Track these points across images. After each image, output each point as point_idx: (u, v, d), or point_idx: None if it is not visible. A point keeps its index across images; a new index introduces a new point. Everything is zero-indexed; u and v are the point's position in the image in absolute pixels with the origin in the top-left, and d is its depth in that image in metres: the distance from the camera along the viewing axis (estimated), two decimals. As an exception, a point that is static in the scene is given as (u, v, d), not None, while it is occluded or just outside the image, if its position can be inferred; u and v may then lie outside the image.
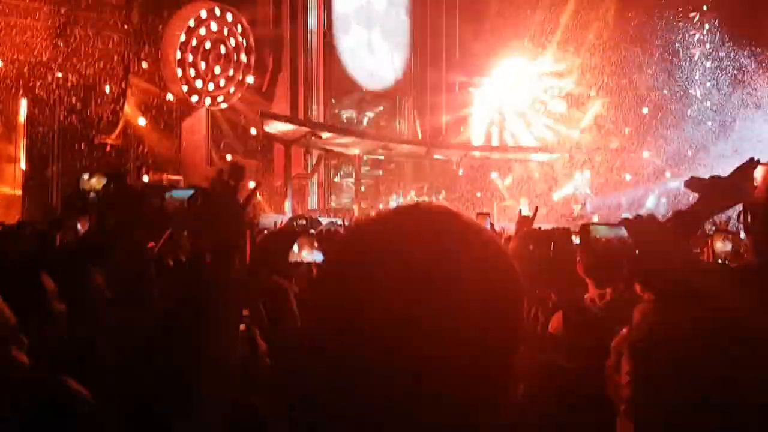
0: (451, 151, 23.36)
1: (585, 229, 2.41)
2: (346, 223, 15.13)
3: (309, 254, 5.73)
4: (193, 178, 16.90)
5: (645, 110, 21.25)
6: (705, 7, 21.35)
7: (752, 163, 2.01)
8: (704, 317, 1.76)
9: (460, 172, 23.02)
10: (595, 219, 12.74)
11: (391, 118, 25.99)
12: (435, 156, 23.59)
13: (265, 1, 20.72)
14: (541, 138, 23.81)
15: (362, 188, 22.72)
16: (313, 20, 22.54)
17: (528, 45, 23.62)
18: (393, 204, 20.37)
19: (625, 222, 2.13)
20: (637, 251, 2.11)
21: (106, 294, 2.63)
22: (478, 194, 22.80)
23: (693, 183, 2.03)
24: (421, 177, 24.36)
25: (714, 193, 1.97)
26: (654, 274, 2.19)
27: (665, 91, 20.93)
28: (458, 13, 25.09)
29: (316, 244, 6.02)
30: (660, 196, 18.48)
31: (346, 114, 24.89)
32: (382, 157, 23.62)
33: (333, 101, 24.02)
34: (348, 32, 24.11)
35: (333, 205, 22.62)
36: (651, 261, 2.07)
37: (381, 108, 25.64)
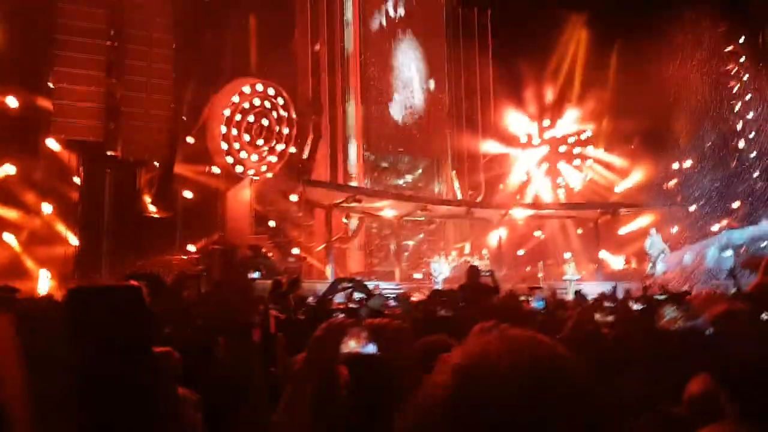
0: (491, 210, 23.32)
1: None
2: (397, 291, 15.17)
3: (358, 346, 5.68)
4: (239, 247, 17.27)
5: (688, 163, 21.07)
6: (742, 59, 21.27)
7: None
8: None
9: (501, 230, 22.93)
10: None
11: (429, 179, 26.16)
12: (476, 215, 23.57)
13: (305, 73, 21.45)
14: (578, 194, 23.77)
15: (403, 251, 22.74)
16: (351, 89, 23.12)
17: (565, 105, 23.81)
18: (435, 265, 20.31)
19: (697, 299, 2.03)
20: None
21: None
22: (520, 252, 22.63)
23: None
24: (461, 237, 24.30)
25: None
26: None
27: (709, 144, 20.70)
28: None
29: (364, 335, 5.99)
30: (722, 249, 17.90)
31: (385, 175, 25.16)
32: (422, 218, 23.70)
33: (373, 164, 24.36)
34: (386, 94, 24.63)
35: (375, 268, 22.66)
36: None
37: (420, 170, 25.87)
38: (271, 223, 18.43)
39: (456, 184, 25.52)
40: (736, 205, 18.06)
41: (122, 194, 16.41)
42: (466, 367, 0.89)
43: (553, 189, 24.62)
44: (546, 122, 24.84)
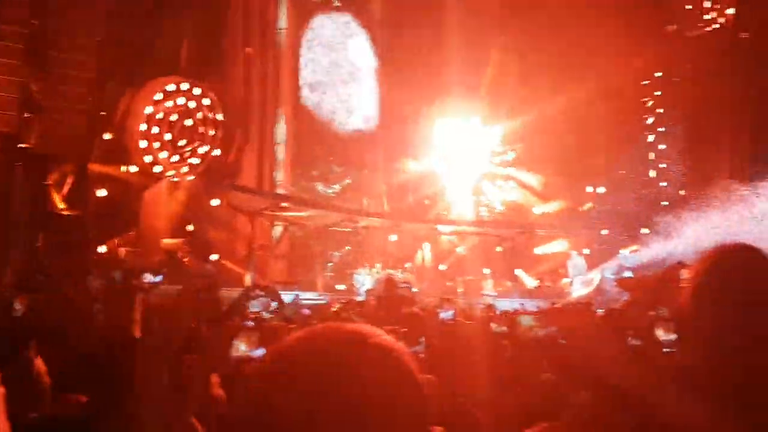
0: (417, 224, 23.57)
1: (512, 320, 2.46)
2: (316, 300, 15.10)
3: (250, 350, 5.66)
4: (152, 250, 16.81)
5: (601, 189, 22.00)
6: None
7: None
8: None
9: (426, 246, 23.21)
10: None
11: (358, 190, 26.22)
12: (401, 229, 23.76)
13: (234, 75, 21.19)
14: (499, 213, 24.40)
15: (327, 261, 22.67)
16: (282, 91, 22.98)
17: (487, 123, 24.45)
18: (359, 277, 20.36)
19: (551, 312, 2.17)
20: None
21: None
22: (442, 267, 22.96)
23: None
24: (387, 250, 24.43)
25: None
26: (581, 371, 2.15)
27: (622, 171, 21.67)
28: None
29: (255, 339, 5.94)
30: (617, 272, 18.65)
31: (314, 184, 25.08)
32: (348, 229, 23.71)
33: (300, 172, 24.25)
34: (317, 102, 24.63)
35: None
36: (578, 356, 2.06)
37: (349, 181, 25.91)
38: (190, 227, 18.02)
39: (384, 197, 25.70)
40: (645, 231, 18.89)
41: (32, 189, 15.71)
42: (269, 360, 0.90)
43: (476, 206, 25.12)
44: (473, 139, 25.33)
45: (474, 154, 25.22)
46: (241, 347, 5.65)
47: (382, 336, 0.90)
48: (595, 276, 18.41)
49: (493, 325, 7.34)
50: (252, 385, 0.85)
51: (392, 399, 0.82)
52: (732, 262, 1.57)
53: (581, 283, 18.36)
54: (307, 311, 12.32)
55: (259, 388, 0.84)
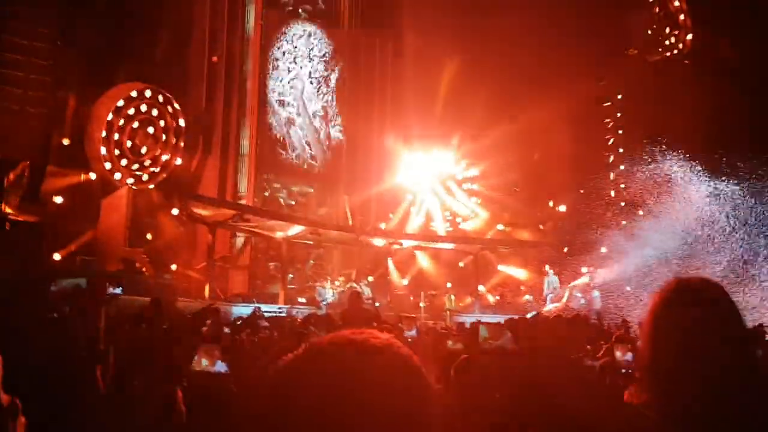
0: (380, 238, 23.55)
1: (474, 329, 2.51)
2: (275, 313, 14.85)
3: (211, 365, 5.50)
4: (110, 259, 16.39)
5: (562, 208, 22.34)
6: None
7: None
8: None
9: (389, 260, 23.19)
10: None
11: (322, 203, 26.12)
12: (365, 242, 23.70)
13: (198, 84, 20.94)
14: (461, 229, 24.58)
15: (289, 274, 22.43)
16: (247, 101, 22.79)
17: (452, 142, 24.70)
18: (321, 290, 20.22)
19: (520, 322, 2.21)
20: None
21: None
22: (404, 281, 22.96)
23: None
24: (350, 263, 24.33)
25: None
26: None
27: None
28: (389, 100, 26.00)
29: (217, 353, 5.78)
30: (583, 290, 18.96)
31: (277, 196, 24.89)
32: (311, 242, 23.54)
33: (264, 184, 24.06)
34: (281, 113, 24.52)
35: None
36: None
37: (311, 190, 25.78)
38: (149, 237, 17.62)
39: (348, 210, 25.62)
40: (603, 250, 19.22)
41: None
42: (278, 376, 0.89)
43: (440, 222, 25.27)
44: (438, 156, 25.52)
45: (438, 169, 25.41)
46: (203, 362, 5.51)
47: (401, 347, 0.92)
48: (565, 293, 18.77)
49: (449, 342, 7.36)
50: (275, 390, 0.86)
51: (410, 409, 0.85)
52: (687, 297, 1.55)
53: (551, 299, 18.71)
54: (266, 324, 12.16)
55: (283, 391, 0.86)
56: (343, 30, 25.98)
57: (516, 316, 10.18)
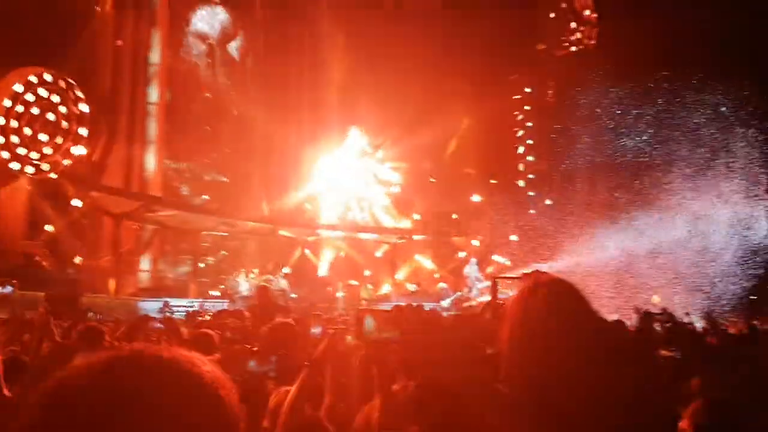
0: (297, 229, 23.30)
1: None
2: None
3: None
4: (9, 252, 15.40)
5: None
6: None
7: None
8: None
9: (306, 251, 23.01)
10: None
11: (235, 193, 25.50)
12: (281, 234, 23.37)
13: (103, 69, 19.94)
14: (377, 221, 24.75)
15: (201, 265, 21.81)
16: (154, 91, 21.85)
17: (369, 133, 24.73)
18: (236, 283, 19.75)
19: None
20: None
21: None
22: (322, 272, 22.85)
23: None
24: (265, 255, 23.90)
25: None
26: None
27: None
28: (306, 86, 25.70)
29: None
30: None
31: (187, 187, 24.08)
32: (224, 234, 22.98)
33: (172, 173, 23.20)
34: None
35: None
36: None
37: (225, 179, 25.10)
38: (49, 228, 16.66)
39: (263, 201, 25.17)
40: (514, 238, 19.85)
41: None
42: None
43: (358, 212, 25.28)
44: (357, 145, 25.47)
45: (356, 160, 25.39)
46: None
47: (195, 364, 0.84)
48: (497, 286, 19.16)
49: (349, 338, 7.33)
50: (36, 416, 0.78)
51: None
52: (540, 291, 1.70)
53: (478, 289, 18.93)
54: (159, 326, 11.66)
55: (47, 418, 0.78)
56: (256, 15, 25.40)
57: (415, 303, 10.26)
